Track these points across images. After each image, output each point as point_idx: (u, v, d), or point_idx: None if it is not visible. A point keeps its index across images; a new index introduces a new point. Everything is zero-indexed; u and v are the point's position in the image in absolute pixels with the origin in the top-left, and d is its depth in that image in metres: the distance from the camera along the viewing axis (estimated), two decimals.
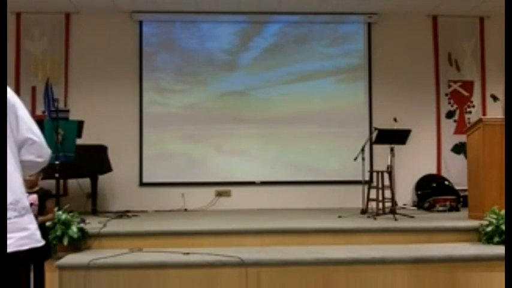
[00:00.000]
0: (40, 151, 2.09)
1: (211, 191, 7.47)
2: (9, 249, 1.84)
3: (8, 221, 1.86)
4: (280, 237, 4.78)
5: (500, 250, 4.14)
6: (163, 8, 7.43)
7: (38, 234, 1.98)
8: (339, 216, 5.75)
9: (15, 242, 1.86)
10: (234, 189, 7.51)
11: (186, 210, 7.26)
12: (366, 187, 6.18)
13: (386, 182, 6.02)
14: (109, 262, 4.07)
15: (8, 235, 1.84)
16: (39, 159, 2.10)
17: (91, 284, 3.99)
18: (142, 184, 7.46)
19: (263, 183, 7.51)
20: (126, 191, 7.33)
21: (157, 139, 7.56)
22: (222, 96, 7.68)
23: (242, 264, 4.03)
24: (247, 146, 7.63)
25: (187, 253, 4.27)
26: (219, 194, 7.49)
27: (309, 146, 7.66)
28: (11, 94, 2.06)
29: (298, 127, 7.66)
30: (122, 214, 6.39)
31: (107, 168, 6.79)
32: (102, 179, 6.84)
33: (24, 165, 2.06)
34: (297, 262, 4.16)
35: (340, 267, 4.15)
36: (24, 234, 1.90)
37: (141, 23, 7.63)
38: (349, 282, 4.12)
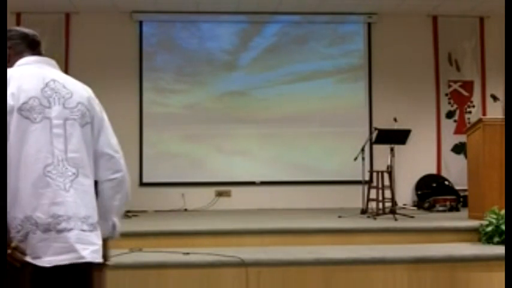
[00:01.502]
0: (116, 166, 2.08)
1: (211, 191, 7.47)
2: (87, 260, 1.88)
3: (84, 233, 1.90)
4: (280, 237, 4.78)
5: (500, 250, 4.14)
6: (163, 8, 7.43)
7: (101, 250, 2.00)
8: (339, 216, 5.75)
9: (90, 253, 1.90)
10: (234, 189, 7.51)
11: (186, 210, 7.26)
12: (366, 187, 6.18)
13: (387, 182, 6.03)
14: (110, 262, 4.06)
15: (85, 246, 1.89)
16: (115, 175, 2.08)
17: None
18: (142, 184, 7.46)
19: (263, 183, 7.51)
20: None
21: (157, 139, 7.56)
22: (222, 96, 7.68)
23: (242, 264, 4.03)
24: (247, 146, 7.63)
25: (187, 253, 4.27)
26: (219, 194, 7.49)
27: (309, 146, 7.66)
28: (96, 103, 2.09)
29: (298, 127, 7.66)
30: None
31: None
32: None
33: (103, 185, 2.06)
34: (297, 262, 4.16)
35: (340, 267, 4.14)
36: (95, 248, 1.93)
37: (141, 23, 7.63)
38: (349, 282, 4.11)
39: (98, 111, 2.10)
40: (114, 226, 2.13)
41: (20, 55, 2.08)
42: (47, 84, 1.96)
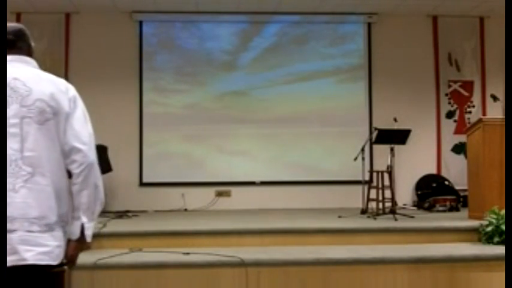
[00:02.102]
0: (81, 159, 2.01)
1: (211, 191, 7.47)
2: (29, 262, 1.87)
3: (31, 234, 1.89)
4: (280, 237, 4.78)
5: (500, 250, 4.14)
6: (163, 8, 7.43)
7: (57, 252, 1.96)
8: (339, 216, 5.75)
9: (34, 255, 1.89)
10: (234, 189, 7.51)
11: (186, 210, 7.26)
12: (366, 187, 6.18)
13: (387, 182, 6.03)
14: (111, 262, 4.07)
15: (29, 247, 1.88)
16: (79, 169, 2.01)
17: (99, 283, 3.98)
18: (142, 184, 7.46)
19: (263, 183, 7.51)
20: (126, 191, 7.33)
21: (157, 139, 7.55)
22: (222, 96, 7.68)
23: (242, 264, 4.03)
24: (247, 146, 7.63)
25: (187, 253, 4.27)
26: (219, 194, 7.49)
27: (309, 146, 7.66)
28: (63, 97, 2.02)
29: (298, 127, 7.65)
30: (122, 214, 6.39)
31: (106, 168, 6.78)
32: (102, 179, 6.78)
33: (72, 181, 2.01)
34: (297, 262, 4.16)
35: (340, 267, 4.14)
36: (43, 249, 1.91)
37: (141, 23, 7.62)
38: (349, 282, 4.11)
39: (65, 105, 2.02)
40: (82, 227, 2.03)
41: None
42: (8, 84, 1.96)
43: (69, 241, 2.03)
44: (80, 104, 2.09)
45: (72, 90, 2.08)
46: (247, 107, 7.68)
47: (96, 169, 2.06)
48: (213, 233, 4.83)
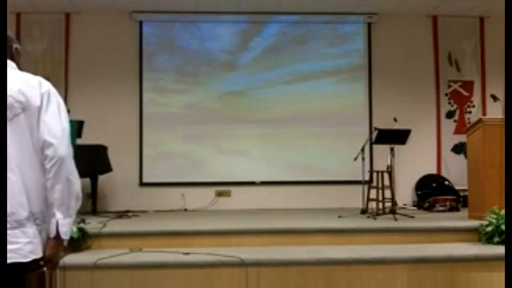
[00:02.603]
0: (52, 153, 1.97)
1: (211, 191, 7.47)
2: None
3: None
4: (280, 237, 4.78)
5: (500, 250, 4.14)
6: (163, 8, 7.43)
7: (28, 249, 1.91)
8: (339, 216, 5.75)
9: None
10: (234, 189, 7.51)
11: (186, 210, 7.26)
12: (366, 187, 6.18)
13: (387, 182, 6.03)
14: (111, 262, 4.07)
15: None
16: (51, 163, 1.98)
17: (99, 283, 3.98)
18: (142, 184, 7.46)
19: (263, 183, 7.51)
20: (126, 191, 7.33)
21: (157, 139, 7.56)
22: (222, 96, 7.68)
23: (242, 264, 4.03)
24: (247, 146, 7.63)
25: (187, 253, 4.27)
26: (219, 194, 7.49)
27: (309, 146, 7.66)
28: (32, 93, 1.99)
29: (298, 127, 7.65)
30: (122, 214, 6.39)
31: (107, 168, 6.79)
32: (102, 179, 6.84)
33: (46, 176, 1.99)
34: (297, 262, 4.16)
35: (340, 267, 4.14)
36: (11, 247, 1.87)
37: (141, 23, 7.63)
38: (349, 282, 4.12)
39: (35, 99, 1.99)
40: (57, 224, 1.98)
41: None
42: None
43: (48, 240, 1.99)
44: (55, 98, 2.05)
45: (46, 85, 2.05)
46: (247, 107, 7.68)
47: (69, 163, 2.00)
48: (213, 233, 4.83)
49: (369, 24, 7.82)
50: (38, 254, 1.96)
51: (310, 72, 7.76)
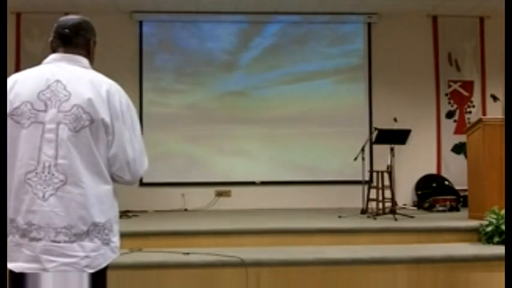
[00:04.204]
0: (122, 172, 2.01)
1: (211, 191, 7.47)
2: (49, 272, 1.84)
3: (56, 244, 1.84)
4: (280, 237, 4.78)
5: (500, 250, 4.14)
6: (163, 8, 7.43)
7: (84, 263, 1.89)
8: (339, 216, 5.75)
9: (57, 266, 1.85)
10: (234, 189, 7.51)
11: (186, 210, 7.26)
12: (366, 187, 6.18)
13: (387, 182, 6.03)
14: (111, 262, 4.06)
15: (52, 258, 1.84)
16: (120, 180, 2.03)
17: None
18: (142, 184, 7.45)
19: (263, 183, 7.51)
20: (126, 191, 7.23)
21: (157, 139, 7.54)
22: (222, 97, 7.68)
23: (242, 264, 4.03)
24: (247, 146, 7.63)
25: (187, 253, 4.27)
26: (219, 194, 7.49)
27: (309, 146, 7.66)
28: (101, 105, 1.93)
29: (298, 127, 7.65)
30: (122, 214, 6.38)
31: None
32: None
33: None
34: (297, 262, 4.16)
35: (340, 267, 4.14)
36: (67, 260, 1.86)
37: (141, 23, 7.63)
38: (349, 282, 4.11)
39: (104, 113, 1.92)
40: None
41: (54, 52, 2.06)
42: (48, 86, 1.92)
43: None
44: (128, 112, 2.02)
45: (116, 97, 1.97)
46: (247, 107, 7.68)
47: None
48: (213, 233, 4.83)
49: (369, 24, 7.82)
50: (97, 267, 1.93)
51: (310, 72, 7.76)
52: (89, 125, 1.90)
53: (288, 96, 7.69)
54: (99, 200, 1.93)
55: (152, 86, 7.60)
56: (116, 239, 2.01)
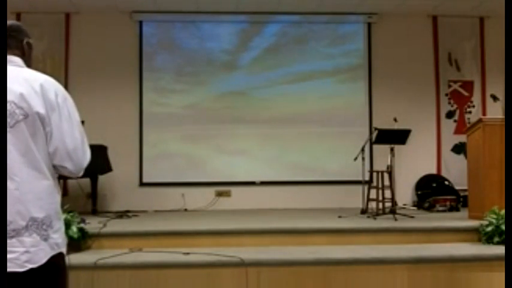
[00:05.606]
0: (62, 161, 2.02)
1: (211, 191, 7.47)
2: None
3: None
4: (280, 237, 4.78)
5: (500, 250, 4.14)
6: (163, 8, 7.43)
7: (24, 258, 1.88)
8: (339, 216, 5.75)
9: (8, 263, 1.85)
10: (234, 189, 7.51)
11: (186, 210, 7.26)
12: (366, 187, 6.18)
13: (387, 182, 6.03)
14: (111, 262, 4.07)
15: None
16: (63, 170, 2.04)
17: (99, 283, 3.98)
18: (142, 184, 7.46)
19: (263, 183, 7.51)
20: (126, 191, 7.33)
21: (157, 139, 7.55)
22: (222, 96, 7.68)
23: (242, 264, 4.03)
24: (247, 146, 7.63)
25: (187, 253, 4.27)
26: (219, 194, 7.49)
27: (309, 146, 7.66)
28: (32, 97, 1.93)
29: (298, 127, 7.65)
30: (122, 214, 6.39)
31: (107, 168, 6.79)
32: (102, 179, 6.84)
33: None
34: (297, 262, 4.16)
35: (340, 267, 4.15)
36: (9, 256, 1.85)
37: (141, 23, 7.63)
38: (349, 282, 4.11)
39: (38, 106, 1.93)
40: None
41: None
42: None
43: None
44: (64, 104, 2.03)
45: (51, 89, 2.00)
46: (247, 107, 7.68)
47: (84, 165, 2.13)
48: (213, 233, 4.83)
49: (369, 24, 7.82)
50: (38, 262, 1.91)
51: (310, 72, 7.76)
52: (23, 119, 1.91)
53: (288, 96, 7.69)
54: (37, 195, 1.93)
55: (152, 86, 7.60)
56: (56, 236, 1.99)
